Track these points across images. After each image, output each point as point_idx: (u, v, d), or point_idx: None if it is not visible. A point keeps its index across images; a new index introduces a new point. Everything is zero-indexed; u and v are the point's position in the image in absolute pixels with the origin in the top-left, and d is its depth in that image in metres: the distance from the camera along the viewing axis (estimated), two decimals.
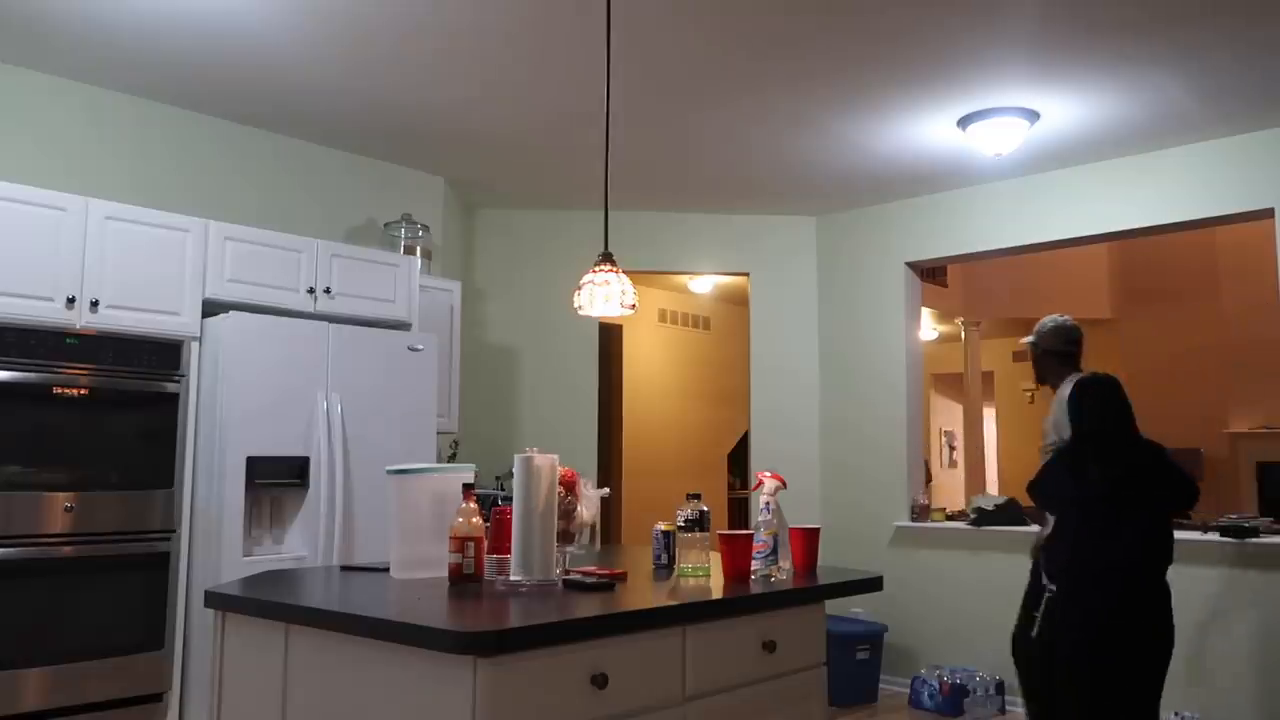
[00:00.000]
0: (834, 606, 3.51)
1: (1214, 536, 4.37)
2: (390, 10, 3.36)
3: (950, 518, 5.49)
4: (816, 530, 2.76)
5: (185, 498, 3.66)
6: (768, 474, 2.71)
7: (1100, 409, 3.31)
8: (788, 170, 5.12)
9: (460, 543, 2.29)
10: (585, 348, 5.85)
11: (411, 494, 2.53)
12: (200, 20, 3.43)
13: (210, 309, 3.78)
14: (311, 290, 4.08)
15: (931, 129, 4.47)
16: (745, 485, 7.54)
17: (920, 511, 5.49)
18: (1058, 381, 3.76)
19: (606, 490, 2.69)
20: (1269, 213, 4.45)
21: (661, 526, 2.78)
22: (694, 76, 3.90)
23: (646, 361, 8.08)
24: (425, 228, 4.87)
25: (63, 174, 3.87)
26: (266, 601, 2.14)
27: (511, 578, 2.30)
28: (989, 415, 10.78)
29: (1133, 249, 8.96)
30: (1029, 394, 10.51)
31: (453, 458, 5.14)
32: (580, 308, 2.82)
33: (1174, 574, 3.17)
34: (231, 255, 3.86)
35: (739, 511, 8.32)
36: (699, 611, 2.19)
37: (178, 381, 3.68)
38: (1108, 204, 4.88)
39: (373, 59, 3.75)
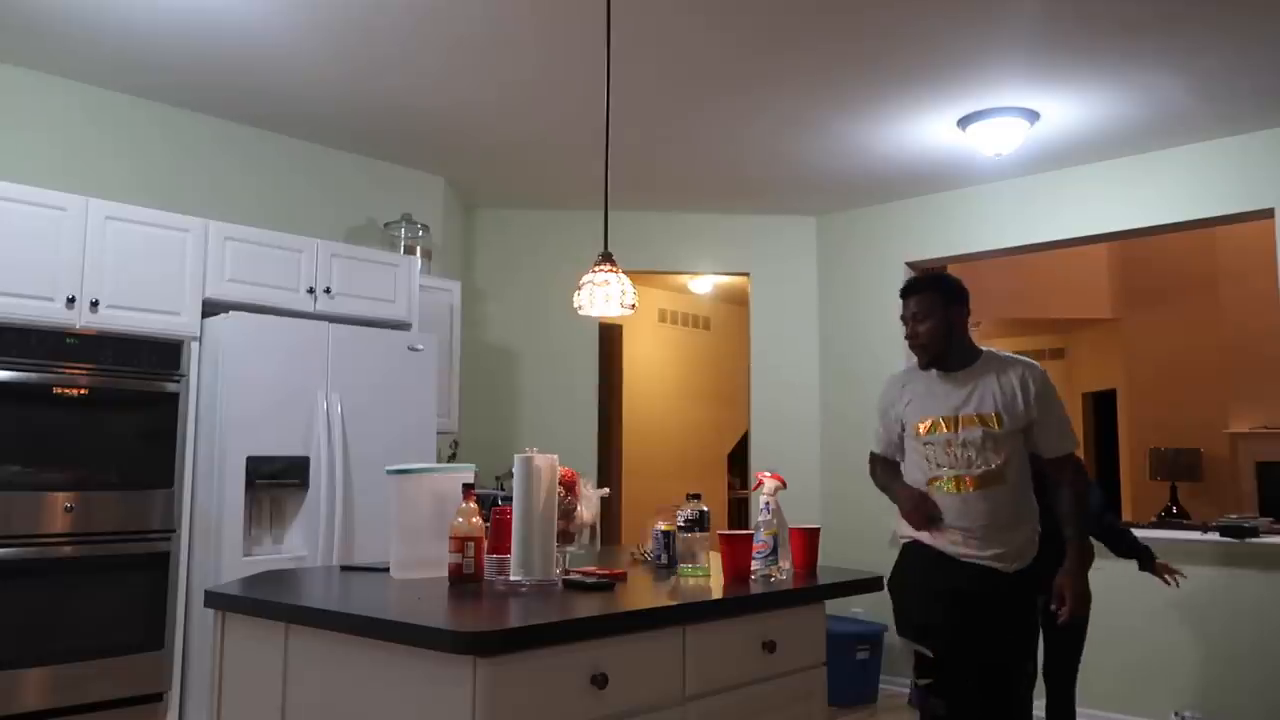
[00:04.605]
0: (834, 606, 3.51)
1: (1214, 536, 4.37)
2: (391, 11, 3.36)
3: None
4: (816, 530, 2.75)
5: (185, 498, 3.66)
6: (768, 474, 2.71)
7: None
8: (788, 170, 5.12)
9: (460, 543, 2.29)
10: (585, 348, 5.84)
11: (411, 494, 2.53)
12: (200, 20, 3.43)
13: (210, 309, 3.78)
14: (311, 290, 4.08)
15: (931, 129, 4.47)
16: (745, 485, 7.54)
17: None
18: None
19: (606, 490, 2.69)
20: (1269, 213, 4.44)
21: (661, 526, 2.78)
22: (694, 76, 3.90)
23: (646, 361, 8.07)
24: (425, 228, 4.87)
25: (63, 174, 3.87)
26: (266, 601, 2.14)
27: (511, 578, 2.30)
28: None
29: (1133, 249, 8.93)
30: None
31: (453, 458, 5.13)
32: (580, 307, 2.81)
33: None
34: (231, 255, 3.86)
35: (739, 511, 8.32)
36: (699, 611, 2.19)
37: (178, 381, 3.67)
38: (1108, 204, 4.88)
39: (373, 60, 3.75)
